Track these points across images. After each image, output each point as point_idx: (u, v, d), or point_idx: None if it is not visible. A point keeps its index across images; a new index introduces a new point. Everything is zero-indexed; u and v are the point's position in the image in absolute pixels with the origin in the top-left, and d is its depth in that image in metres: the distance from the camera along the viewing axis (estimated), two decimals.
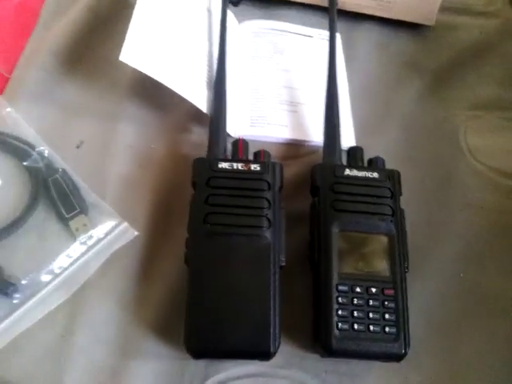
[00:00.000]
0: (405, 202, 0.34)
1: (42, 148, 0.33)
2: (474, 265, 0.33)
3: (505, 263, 0.34)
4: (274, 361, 0.27)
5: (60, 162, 0.33)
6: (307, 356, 0.29)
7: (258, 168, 0.30)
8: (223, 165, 0.30)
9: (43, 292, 0.29)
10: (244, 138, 0.35)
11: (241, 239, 0.28)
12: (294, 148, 0.37)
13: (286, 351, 0.29)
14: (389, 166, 0.33)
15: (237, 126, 0.37)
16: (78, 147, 0.35)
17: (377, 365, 0.29)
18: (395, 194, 0.30)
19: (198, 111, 0.35)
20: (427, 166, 0.38)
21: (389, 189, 0.30)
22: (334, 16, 0.40)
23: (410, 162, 0.38)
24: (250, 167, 0.30)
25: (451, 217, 0.35)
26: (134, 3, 0.35)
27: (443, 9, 0.47)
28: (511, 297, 0.33)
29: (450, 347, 0.31)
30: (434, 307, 0.32)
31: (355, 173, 0.31)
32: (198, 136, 0.36)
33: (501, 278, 0.33)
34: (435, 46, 0.46)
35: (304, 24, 0.46)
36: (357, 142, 0.38)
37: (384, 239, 0.29)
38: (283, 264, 0.29)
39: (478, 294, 0.32)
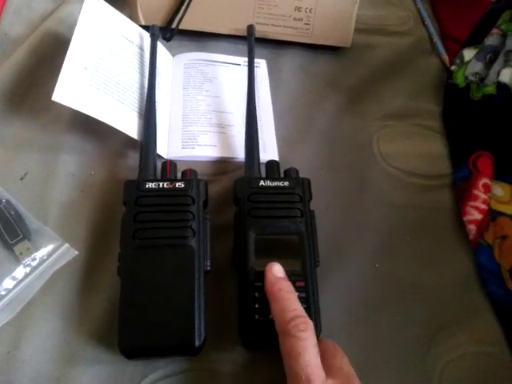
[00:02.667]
0: (324, 205, 0.39)
1: None
2: (388, 256, 0.38)
3: (415, 252, 0.38)
4: (205, 356, 0.31)
5: (4, 194, 0.36)
6: (236, 349, 0.32)
7: (183, 185, 0.34)
8: (150, 185, 0.33)
9: None
10: (176, 159, 0.39)
11: (167, 249, 0.31)
12: (223, 165, 0.41)
13: (216, 347, 0.32)
14: (310, 174, 0.37)
15: (169, 148, 0.41)
16: (22, 179, 0.38)
17: None
18: (304, 198, 0.34)
19: (132, 138, 0.39)
20: (345, 172, 0.42)
21: (298, 194, 0.34)
22: (252, 45, 0.45)
23: (330, 169, 0.42)
24: (174, 185, 0.34)
25: (367, 215, 0.40)
26: None
27: (360, 30, 0.53)
28: (422, 280, 0.37)
29: (369, 332, 0.34)
30: (352, 297, 0.35)
31: (269, 183, 0.35)
32: (134, 160, 0.39)
33: (412, 265, 0.37)
34: (352, 64, 0.51)
35: (234, 52, 0.50)
36: (281, 156, 0.42)
37: (295, 238, 0.32)
38: (208, 268, 0.32)
39: (391, 281, 0.36)
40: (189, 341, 0.29)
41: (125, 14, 0.45)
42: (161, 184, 0.33)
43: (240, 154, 0.41)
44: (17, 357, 0.30)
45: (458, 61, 0.51)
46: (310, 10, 0.48)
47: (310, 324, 0.27)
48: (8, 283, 0.32)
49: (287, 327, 0.27)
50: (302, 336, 0.26)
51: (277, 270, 0.30)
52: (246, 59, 0.49)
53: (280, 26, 0.49)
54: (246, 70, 0.48)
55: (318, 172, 0.41)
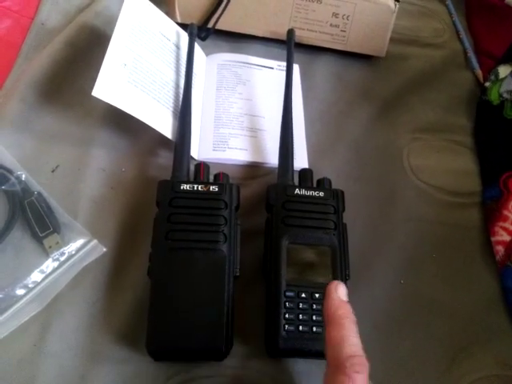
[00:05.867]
0: (352, 216, 0.38)
1: (19, 173, 0.36)
2: (414, 272, 0.37)
3: (441, 270, 0.38)
4: (230, 362, 0.30)
5: (36, 186, 0.35)
6: (261, 357, 0.31)
7: (217, 189, 0.33)
8: (185, 186, 0.33)
9: (18, 305, 0.31)
10: (207, 161, 0.39)
11: (199, 253, 0.31)
12: (253, 169, 0.41)
13: (241, 353, 0.31)
14: (339, 184, 0.37)
15: (200, 150, 0.41)
16: (53, 171, 0.38)
17: (325, 363, 0.32)
18: (338, 210, 0.34)
19: (165, 137, 0.39)
20: (373, 184, 0.42)
21: (333, 206, 0.34)
22: (291, 50, 0.44)
23: (359, 180, 0.42)
24: (209, 188, 0.33)
25: (394, 229, 0.39)
26: (110, 36, 0.38)
27: (395, 40, 0.52)
28: (446, 299, 0.36)
29: (392, 346, 0.34)
30: (377, 311, 0.35)
31: (304, 192, 0.34)
32: (165, 159, 0.39)
33: (437, 283, 0.37)
34: (386, 74, 0.51)
35: (267, 55, 0.50)
36: (310, 164, 0.42)
37: (327, 250, 0.32)
38: (237, 274, 0.32)
39: (416, 297, 0.36)
40: (216, 345, 0.29)
41: (161, 11, 0.45)
42: (195, 186, 0.33)
43: (271, 159, 0.41)
44: (42, 350, 0.30)
45: (492, 77, 0.50)
46: (348, 17, 0.48)
47: (367, 367, 0.24)
48: (36, 276, 0.32)
49: (344, 363, 0.24)
50: (357, 379, 0.23)
51: (342, 291, 0.27)
52: (279, 63, 0.49)
53: (316, 32, 0.49)
54: (278, 73, 0.48)
55: (347, 182, 0.41)
